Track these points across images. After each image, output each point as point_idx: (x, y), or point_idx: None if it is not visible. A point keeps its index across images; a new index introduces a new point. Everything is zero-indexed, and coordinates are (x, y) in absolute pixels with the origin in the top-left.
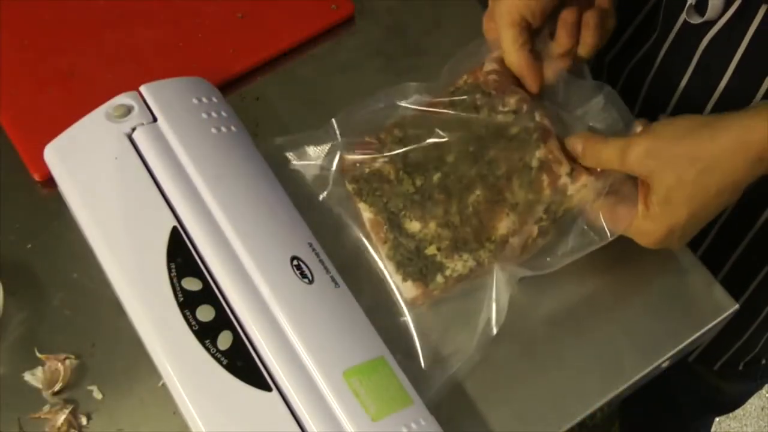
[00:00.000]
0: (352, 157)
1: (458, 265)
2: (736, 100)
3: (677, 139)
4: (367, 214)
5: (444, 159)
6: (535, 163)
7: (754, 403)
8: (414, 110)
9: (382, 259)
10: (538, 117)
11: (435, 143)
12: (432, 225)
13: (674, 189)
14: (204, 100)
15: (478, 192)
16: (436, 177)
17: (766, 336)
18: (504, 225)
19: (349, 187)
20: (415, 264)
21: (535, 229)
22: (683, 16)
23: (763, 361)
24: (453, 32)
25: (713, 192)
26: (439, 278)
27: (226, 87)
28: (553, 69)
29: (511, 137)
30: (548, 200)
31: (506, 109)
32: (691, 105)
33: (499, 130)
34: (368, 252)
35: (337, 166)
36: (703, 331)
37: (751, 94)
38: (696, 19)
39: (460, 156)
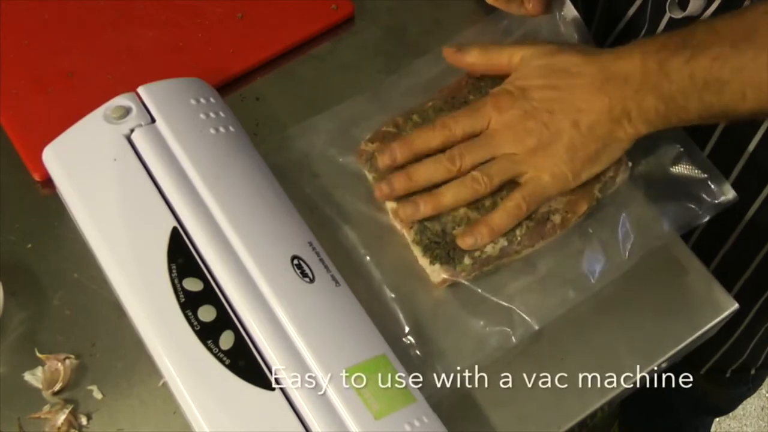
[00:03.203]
0: (369, 146)
1: (488, 247)
2: None
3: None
4: (389, 202)
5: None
6: None
7: (754, 403)
8: (434, 95)
9: (408, 244)
10: None
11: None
12: (461, 208)
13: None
14: (202, 100)
15: None
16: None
17: (753, 344)
18: (546, 203)
19: (369, 176)
20: (443, 247)
21: (584, 206)
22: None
23: (753, 371)
24: (453, 32)
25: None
26: (467, 260)
27: (226, 87)
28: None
29: None
30: (605, 180)
31: None
32: None
33: None
34: (393, 238)
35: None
36: (703, 331)
37: None
38: (678, 14)
39: None
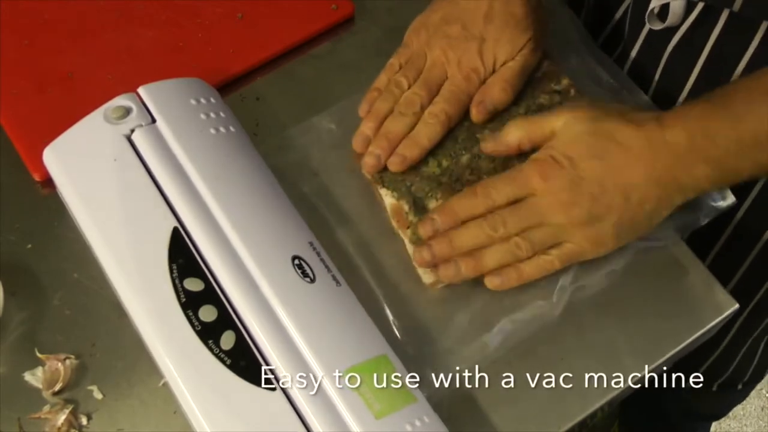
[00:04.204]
0: None
1: None
2: None
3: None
4: (389, 199)
5: (475, 138)
6: None
7: (754, 403)
8: None
9: (404, 244)
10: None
11: (464, 124)
12: None
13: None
14: (202, 100)
15: None
16: (465, 158)
17: (739, 358)
18: None
19: (368, 175)
20: None
21: None
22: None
23: (740, 386)
24: None
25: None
26: None
27: (226, 87)
28: None
29: None
30: None
31: (553, 89)
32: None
33: (542, 110)
34: (393, 237)
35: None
36: (703, 331)
37: None
38: (657, 25)
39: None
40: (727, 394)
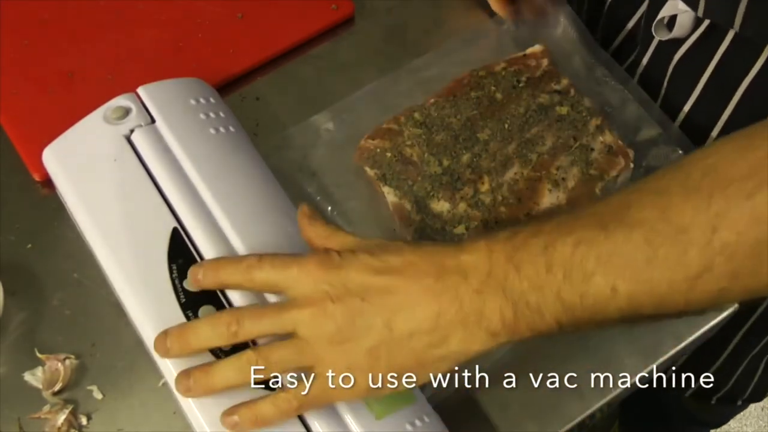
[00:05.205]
0: (370, 143)
1: None
2: (700, 122)
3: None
4: (391, 198)
5: (475, 138)
6: (598, 146)
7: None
8: (435, 93)
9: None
10: (588, 102)
11: (465, 123)
12: (462, 205)
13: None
14: (202, 100)
15: (516, 169)
16: (466, 157)
17: (738, 374)
18: (547, 200)
19: (371, 172)
20: None
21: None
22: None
23: (739, 402)
24: (453, 32)
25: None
26: None
27: (226, 87)
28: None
29: (559, 117)
30: (609, 179)
31: (553, 89)
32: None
33: (542, 110)
34: (394, 237)
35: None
36: (703, 330)
37: (715, 117)
38: (664, 35)
39: (494, 134)
40: (725, 408)
